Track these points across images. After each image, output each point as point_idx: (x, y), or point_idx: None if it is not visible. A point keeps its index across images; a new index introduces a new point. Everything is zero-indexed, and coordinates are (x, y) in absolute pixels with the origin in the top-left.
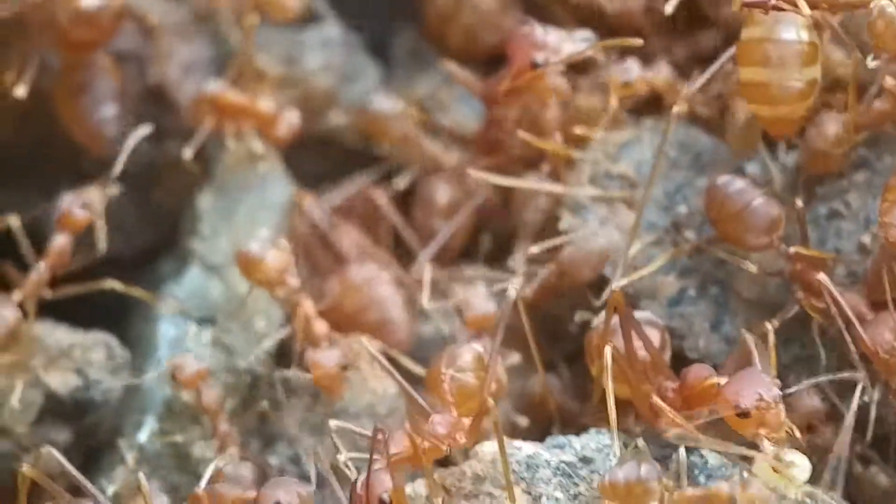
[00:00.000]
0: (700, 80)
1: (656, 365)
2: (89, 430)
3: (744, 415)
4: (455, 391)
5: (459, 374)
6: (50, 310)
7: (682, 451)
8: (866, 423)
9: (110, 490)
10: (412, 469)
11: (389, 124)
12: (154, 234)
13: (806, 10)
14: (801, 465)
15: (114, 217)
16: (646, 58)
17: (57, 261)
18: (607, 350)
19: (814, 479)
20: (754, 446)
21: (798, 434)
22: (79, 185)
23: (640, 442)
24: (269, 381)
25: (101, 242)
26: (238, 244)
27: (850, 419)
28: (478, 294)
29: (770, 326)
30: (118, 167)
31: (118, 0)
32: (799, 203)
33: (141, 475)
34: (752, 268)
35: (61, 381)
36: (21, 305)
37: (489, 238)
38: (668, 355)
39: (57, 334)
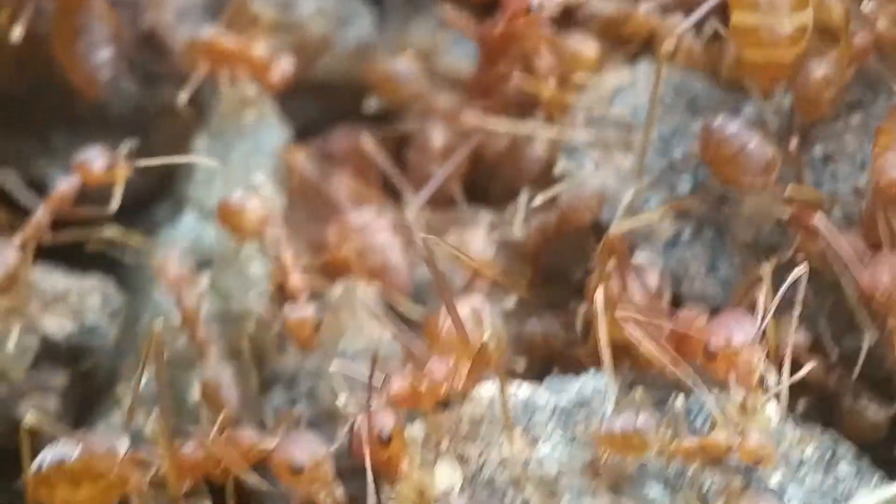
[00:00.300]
0: (692, 18)
1: (654, 307)
2: (86, 375)
3: (711, 356)
4: (451, 339)
5: None
6: (46, 255)
7: (679, 399)
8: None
9: None
10: (409, 412)
11: (402, 84)
12: (149, 180)
13: None
14: (768, 414)
15: None
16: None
17: (58, 205)
18: (599, 292)
19: (804, 413)
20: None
21: (772, 380)
22: (73, 129)
23: (639, 392)
24: (265, 325)
25: (115, 203)
26: (232, 189)
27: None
28: (476, 238)
29: (765, 269)
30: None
31: None
32: (794, 144)
33: None
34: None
35: (57, 326)
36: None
37: (488, 182)
38: (666, 297)
39: (53, 279)
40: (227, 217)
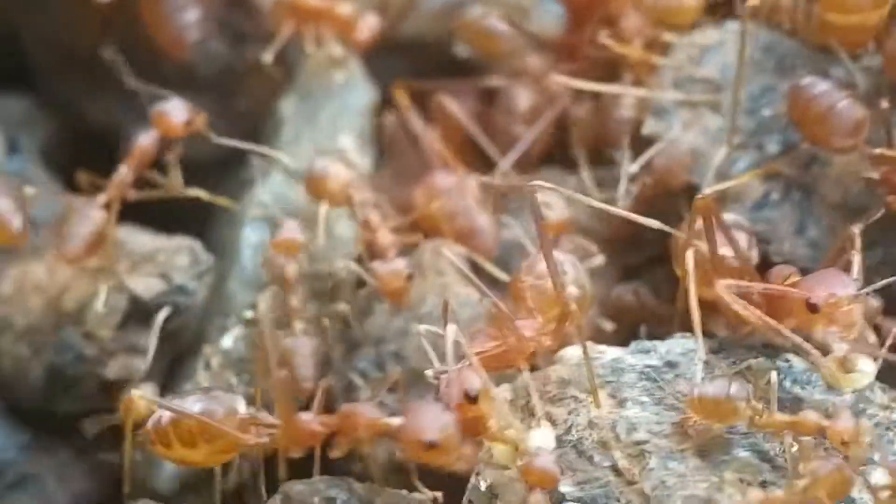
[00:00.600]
0: None
1: (743, 268)
2: (173, 335)
3: (813, 309)
4: (536, 299)
5: (539, 282)
6: (133, 215)
7: (773, 376)
8: None
9: None
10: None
11: (499, 40)
12: (237, 140)
13: None
14: (864, 370)
15: None
16: None
17: (140, 160)
18: (689, 253)
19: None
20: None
21: (873, 338)
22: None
23: (727, 355)
24: (351, 287)
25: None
26: (320, 150)
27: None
28: (559, 200)
29: (855, 230)
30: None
31: None
32: (884, 104)
33: None
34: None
35: (145, 286)
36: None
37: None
38: (754, 258)
39: (141, 239)
40: (312, 184)
